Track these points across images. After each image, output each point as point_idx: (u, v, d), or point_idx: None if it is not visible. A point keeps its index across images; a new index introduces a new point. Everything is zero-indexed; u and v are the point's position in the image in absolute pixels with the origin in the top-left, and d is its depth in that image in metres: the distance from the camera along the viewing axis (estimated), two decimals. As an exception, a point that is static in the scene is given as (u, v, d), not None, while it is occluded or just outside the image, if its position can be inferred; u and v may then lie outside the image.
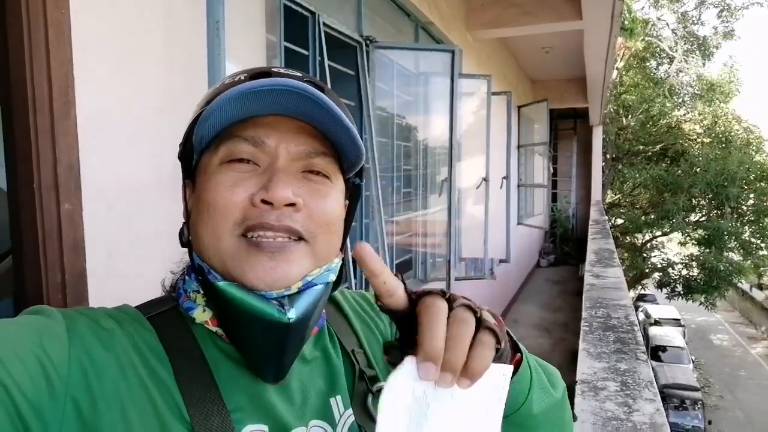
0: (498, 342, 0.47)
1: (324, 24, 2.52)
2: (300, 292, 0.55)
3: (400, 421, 0.44)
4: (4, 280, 1.76)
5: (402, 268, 3.99)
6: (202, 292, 0.57)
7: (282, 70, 0.58)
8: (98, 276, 1.36)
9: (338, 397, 0.61)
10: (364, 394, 0.63)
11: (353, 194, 0.66)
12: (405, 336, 0.48)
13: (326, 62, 2.52)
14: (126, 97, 1.45)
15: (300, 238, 0.54)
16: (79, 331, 0.50)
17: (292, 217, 0.53)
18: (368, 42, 2.99)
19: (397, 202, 3.69)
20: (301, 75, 0.58)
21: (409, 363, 0.44)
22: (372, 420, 0.61)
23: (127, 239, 1.46)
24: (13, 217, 1.27)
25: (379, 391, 0.62)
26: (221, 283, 0.53)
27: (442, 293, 0.48)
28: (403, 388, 0.44)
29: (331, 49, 2.58)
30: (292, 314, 0.53)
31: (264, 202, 0.53)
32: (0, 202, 1.36)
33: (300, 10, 2.36)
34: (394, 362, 0.47)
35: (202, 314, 0.57)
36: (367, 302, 0.75)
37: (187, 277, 0.60)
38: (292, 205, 0.53)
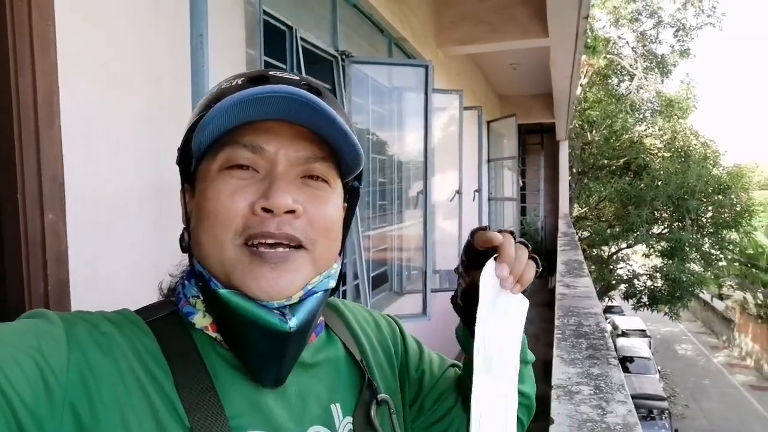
0: (537, 267, 0.67)
1: (301, 38, 2.56)
2: (301, 300, 0.56)
3: (490, 296, 0.64)
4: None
5: (378, 281, 4.01)
6: (202, 297, 0.57)
7: (279, 74, 0.58)
8: (81, 286, 1.35)
9: (338, 405, 0.62)
10: (369, 403, 0.64)
11: (351, 197, 0.66)
12: (471, 260, 0.68)
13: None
14: (110, 107, 1.45)
15: (300, 246, 0.55)
16: (78, 336, 0.50)
17: (292, 224, 0.54)
18: (344, 57, 3.04)
19: (372, 215, 3.72)
20: (298, 78, 0.58)
21: (490, 263, 0.64)
22: (373, 428, 0.62)
23: (109, 249, 1.45)
24: (-4, 227, 1.25)
25: (383, 401, 0.65)
26: (223, 291, 0.54)
27: (510, 232, 0.68)
28: (489, 277, 0.64)
29: (308, 64, 2.62)
30: (293, 323, 0.54)
31: (264, 209, 0.53)
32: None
33: (278, 24, 2.40)
34: (460, 272, 0.72)
35: (202, 320, 0.57)
36: (373, 320, 0.76)
37: (186, 282, 0.60)
38: (291, 212, 0.53)
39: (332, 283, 0.60)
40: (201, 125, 0.54)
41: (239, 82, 0.57)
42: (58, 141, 1.30)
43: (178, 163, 0.62)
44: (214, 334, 0.56)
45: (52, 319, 0.50)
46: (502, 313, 0.66)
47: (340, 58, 3.01)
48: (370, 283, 3.52)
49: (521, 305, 0.68)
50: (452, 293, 0.80)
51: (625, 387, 2.15)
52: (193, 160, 0.59)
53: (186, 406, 0.51)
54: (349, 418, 0.62)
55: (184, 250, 0.60)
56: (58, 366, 0.46)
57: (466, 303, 0.71)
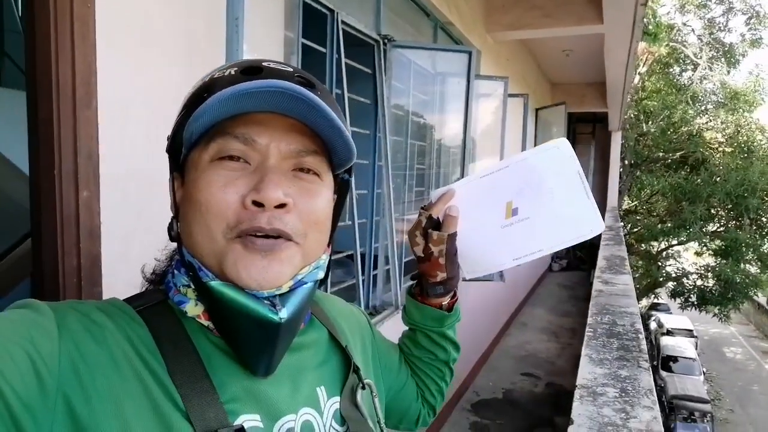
0: None
1: (343, 22, 2.55)
2: (290, 291, 0.56)
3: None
4: (24, 262, 1.83)
5: (410, 267, 4.02)
6: (192, 287, 0.58)
7: (272, 65, 0.58)
8: (112, 262, 1.41)
9: (322, 387, 0.64)
10: (354, 387, 0.66)
11: (342, 190, 0.67)
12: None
13: (343, 60, 2.55)
14: (145, 89, 1.49)
15: (289, 239, 0.55)
16: (70, 326, 0.50)
17: (282, 219, 0.54)
18: (386, 41, 3.01)
19: (409, 200, 3.71)
20: (292, 70, 0.58)
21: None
22: (359, 411, 0.65)
23: (141, 227, 1.50)
24: (34, 202, 1.32)
25: (367, 385, 0.68)
26: (214, 283, 0.54)
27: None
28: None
29: (348, 47, 2.61)
30: (284, 314, 0.54)
31: (255, 203, 0.53)
32: (22, 187, 1.41)
33: (319, 7, 2.40)
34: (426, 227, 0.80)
35: (194, 308, 0.57)
36: (348, 310, 0.81)
37: (176, 271, 0.60)
38: (282, 205, 0.54)
39: (321, 274, 0.61)
40: (194, 116, 0.54)
41: (232, 72, 0.57)
42: (94, 121, 1.35)
43: (168, 151, 0.62)
44: (206, 322, 0.57)
45: (41, 309, 0.51)
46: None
47: (382, 43, 2.99)
48: (402, 268, 3.53)
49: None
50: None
51: (653, 392, 2.08)
52: (183, 149, 0.59)
53: (181, 393, 0.51)
54: (333, 400, 0.64)
55: (172, 239, 0.61)
56: (49, 356, 0.47)
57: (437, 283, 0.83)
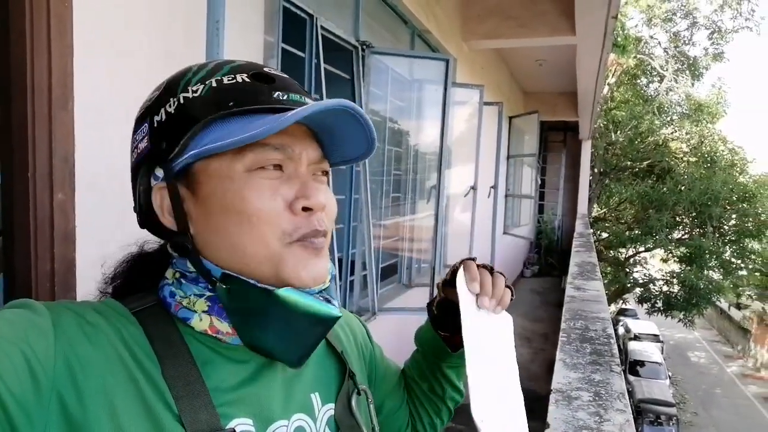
0: (512, 294, 0.76)
1: (322, 27, 2.55)
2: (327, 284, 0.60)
3: (475, 327, 0.68)
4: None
5: (387, 273, 4.02)
6: (206, 296, 0.57)
7: (275, 72, 0.59)
8: (87, 266, 1.37)
9: (317, 393, 0.64)
10: (349, 393, 0.67)
11: None
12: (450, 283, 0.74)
13: (322, 65, 2.55)
14: (123, 90, 1.47)
15: (325, 236, 0.59)
16: (65, 326, 0.50)
17: (323, 220, 0.58)
18: (364, 47, 3.02)
19: (385, 206, 3.72)
20: (293, 80, 0.60)
21: (461, 275, 0.71)
22: (353, 417, 0.66)
23: (118, 231, 1.47)
24: (6, 205, 1.28)
25: (363, 392, 0.69)
26: (281, 291, 0.54)
27: (487, 267, 0.75)
28: (470, 310, 0.70)
29: (327, 53, 2.61)
30: (337, 305, 0.59)
31: (305, 208, 0.56)
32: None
33: (298, 12, 2.39)
34: (438, 286, 0.78)
35: (200, 323, 0.56)
36: (345, 317, 0.81)
37: (183, 281, 0.58)
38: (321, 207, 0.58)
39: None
40: (253, 135, 0.51)
41: (245, 78, 0.56)
42: (70, 122, 1.32)
43: (148, 161, 0.59)
44: (214, 335, 0.56)
45: (38, 309, 0.50)
46: (487, 326, 0.70)
47: (360, 49, 3.00)
48: (379, 274, 3.53)
49: (505, 320, 0.73)
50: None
51: (626, 395, 2.13)
52: (187, 158, 0.55)
53: (174, 395, 0.51)
54: (328, 406, 0.64)
55: (182, 253, 0.58)
56: (44, 356, 0.47)
57: (440, 313, 0.80)
